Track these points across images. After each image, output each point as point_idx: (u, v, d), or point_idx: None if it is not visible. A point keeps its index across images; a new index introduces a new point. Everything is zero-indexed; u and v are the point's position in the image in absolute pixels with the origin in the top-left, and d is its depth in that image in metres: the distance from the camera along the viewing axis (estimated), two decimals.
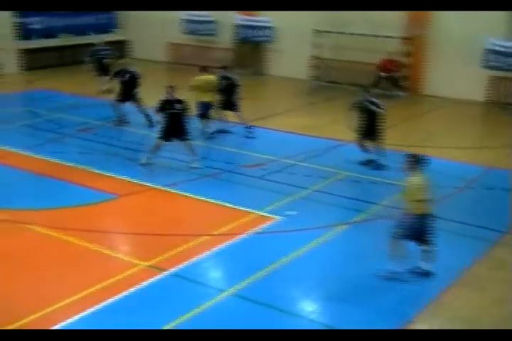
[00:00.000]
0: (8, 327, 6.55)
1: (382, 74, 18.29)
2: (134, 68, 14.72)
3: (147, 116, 14.29)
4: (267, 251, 8.69)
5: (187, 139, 11.93)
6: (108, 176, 11.40)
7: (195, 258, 8.35)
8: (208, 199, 10.38)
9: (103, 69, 16.80)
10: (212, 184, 11.25)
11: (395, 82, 18.53)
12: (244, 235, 9.11)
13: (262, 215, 9.86)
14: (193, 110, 12.92)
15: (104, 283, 7.59)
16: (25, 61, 20.74)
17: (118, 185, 11.03)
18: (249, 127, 14.15)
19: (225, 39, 21.85)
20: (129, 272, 7.94)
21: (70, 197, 10.56)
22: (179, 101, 11.75)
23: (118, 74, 14.54)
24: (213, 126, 14.07)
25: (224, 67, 14.46)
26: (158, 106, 11.83)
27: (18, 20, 20.66)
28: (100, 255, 8.48)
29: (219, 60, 22.10)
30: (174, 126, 11.76)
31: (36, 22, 21.27)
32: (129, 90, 14.36)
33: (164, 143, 11.89)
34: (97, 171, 11.60)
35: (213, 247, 8.71)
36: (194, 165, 11.85)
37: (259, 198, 10.57)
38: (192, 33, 22.52)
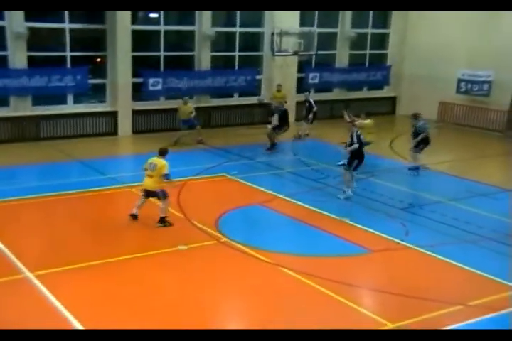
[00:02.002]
0: None
1: None
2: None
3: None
4: None
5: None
6: (363, 230, 11.44)
7: (445, 328, 7.88)
8: (466, 267, 9.82)
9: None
10: (473, 251, 10.63)
11: None
12: (503, 312, 8.38)
13: None
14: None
15: None
16: (299, 112, 22.04)
17: (372, 240, 10.98)
18: (416, 169, 15.36)
19: (501, 100, 20.86)
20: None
21: (324, 246, 10.81)
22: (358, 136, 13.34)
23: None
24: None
25: (415, 116, 15.79)
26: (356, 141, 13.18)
27: (301, 75, 22.19)
28: (346, 308, 8.46)
29: (493, 121, 21.24)
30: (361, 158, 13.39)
31: (314, 77, 22.63)
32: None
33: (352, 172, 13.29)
34: (353, 223, 11.72)
35: (467, 319, 8.15)
36: (341, 196, 13.17)
37: None
38: (465, 92, 21.95)
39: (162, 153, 11.23)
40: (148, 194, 11.31)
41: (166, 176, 11.01)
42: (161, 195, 11.13)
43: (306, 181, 14.61)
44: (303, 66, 22.36)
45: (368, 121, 16.05)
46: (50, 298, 8.37)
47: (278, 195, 13.32)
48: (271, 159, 16.56)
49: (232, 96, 21.36)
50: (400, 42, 24.03)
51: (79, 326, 7.62)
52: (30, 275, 9.02)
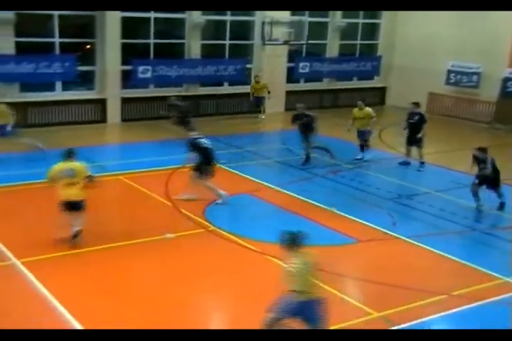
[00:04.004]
0: None
1: None
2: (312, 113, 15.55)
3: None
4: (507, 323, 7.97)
5: None
6: (350, 220, 11.50)
7: (429, 317, 7.98)
8: (451, 257, 9.91)
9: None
10: (458, 241, 10.74)
11: None
12: (485, 301, 8.49)
13: (509, 282, 9.12)
14: None
15: (337, 326, 7.58)
16: (288, 102, 22.04)
17: (359, 230, 11.05)
18: (423, 163, 15.12)
19: (489, 92, 20.94)
20: (359, 320, 7.87)
21: (311, 235, 10.79)
22: None
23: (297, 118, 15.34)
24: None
25: (416, 103, 15.45)
26: None
27: (291, 64, 22.13)
28: (332, 297, 8.49)
29: (480, 113, 21.32)
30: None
31: (304, 66, 22.59)
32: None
33: None
34: (340, 213, 11.77)
35: (450, 309, 8.25)
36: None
37: (509, 263, 9.80)
38: (454, 83, 22.01)
39: (70, 154, 9.60)
40: (72, 206, 9.42)
41: (91, 177, 9.62)
42: (84, 207, 9.59)
43: (294, 171, 14.64)
44: (293, 56, 22.32)
45: (367, 109, 15.69)
46: (36, 285, 8.38)
47: (266, 184, 13.35)
48: (259, 148, 16.55)
49: (221, 85, 21.30)
50: (391, 33, 24.01)
51: (64, 312, 7.65)
52: (17, 262, 9.03)
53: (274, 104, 21.28)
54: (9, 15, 16.71)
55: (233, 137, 17.64)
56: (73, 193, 9.38)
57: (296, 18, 21.21)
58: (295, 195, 12.69)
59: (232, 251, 9.96)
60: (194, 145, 11.88)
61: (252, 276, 9.17)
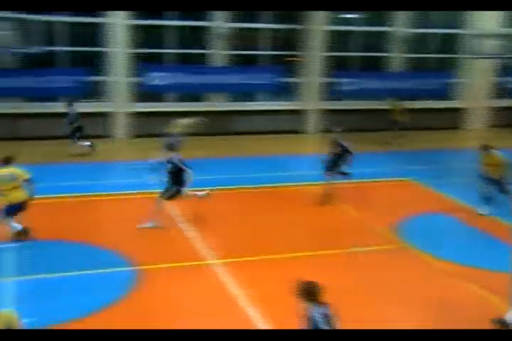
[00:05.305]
0: None
1: None
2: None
3: None
4: None
5: None
6: None
7: None
8: None
9: None
10: None
11: None
12: None
13: None
14: None
15: None
16: (495, 119, 20.78)
17: None
18: None
19: None
20: None
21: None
22: None
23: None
24: None
25: None
26: None
27: (500, 79, 20.92)
28: None
29: None
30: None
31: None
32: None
33: None
34: None
35: None
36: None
37: None
38: None
39: (9, 161, 9.97)
40: (21, 208, 9.89)
41: (31, 180, 9.87)
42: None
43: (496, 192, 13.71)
44: (505, 69, 21.03)
45: (494, 153, 11.98)
46: (229, 285, 8.74)
47: (465, 204, 12.66)
48: (462, 166, 15.77)
49: (419, 99, 20.65)
50: None
51: (250, 312, 7.87)
52: (215, 262, 9.50)
53: (477, 120, 20.25)
54: (223, 30, 17.85)
55: (433, 152, 17.04)
56: (19, 196, 9.85)
57: (507, 30, 20.02)
58: (497, 218, 11.87)
59: (422, 270, 9.55)
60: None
61: (442, 299, 8.69)
